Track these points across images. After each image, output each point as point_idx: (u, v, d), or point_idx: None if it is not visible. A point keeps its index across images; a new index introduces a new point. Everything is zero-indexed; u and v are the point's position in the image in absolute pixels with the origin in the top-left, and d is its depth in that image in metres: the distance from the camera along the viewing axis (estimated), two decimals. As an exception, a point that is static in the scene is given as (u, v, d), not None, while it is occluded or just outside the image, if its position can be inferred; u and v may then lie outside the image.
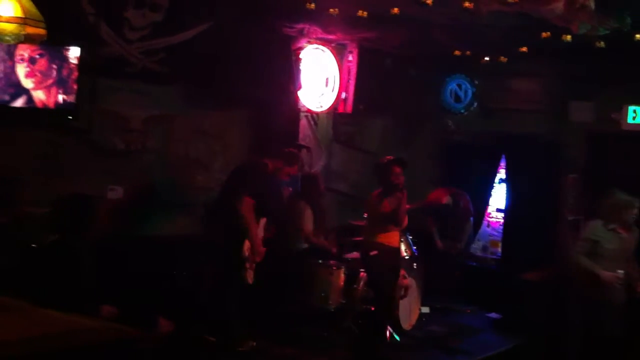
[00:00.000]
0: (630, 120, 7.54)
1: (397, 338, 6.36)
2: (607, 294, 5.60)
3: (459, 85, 8.72)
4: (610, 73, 7.30)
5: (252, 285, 5.67)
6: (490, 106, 8.54)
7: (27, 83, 5.19)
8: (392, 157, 5.98)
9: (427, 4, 5.10)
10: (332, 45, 7.61)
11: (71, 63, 5.22)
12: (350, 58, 7.76)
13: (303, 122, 7.58)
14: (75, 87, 5.24)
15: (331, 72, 7.67)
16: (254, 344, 5.67)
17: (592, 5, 5.14)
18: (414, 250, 6.99)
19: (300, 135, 7.49)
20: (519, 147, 8.13)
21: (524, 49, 6.76)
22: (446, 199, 7.73)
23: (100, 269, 3.99)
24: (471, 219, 7.99)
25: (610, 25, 5.60)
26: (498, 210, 8.73)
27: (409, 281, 6.60)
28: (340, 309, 6.44)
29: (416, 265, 7.01)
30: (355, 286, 6.49)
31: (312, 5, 5.61)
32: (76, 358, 2.64)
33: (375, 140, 8.54)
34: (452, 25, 6.23)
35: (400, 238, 6.26)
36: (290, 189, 6.79)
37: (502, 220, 8.62)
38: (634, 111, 7.54)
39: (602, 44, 6.23)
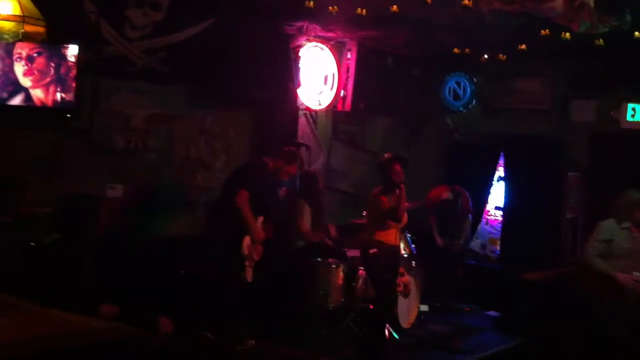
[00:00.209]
0: (629, 118, 7.54)
1: (396, 336, 6.36)
2: (620, 295, 5.57)
3: (458, 83, 8.73)
4: (612, 71, 7.30)
5: (251, 284, 5.66)
6: (490, 104, 8.55)
7: (25, 81, 5.17)
8: (392, 155, 5.98)
9: (428, 3, 5.09)
10: (331, 43, 7.60)
11: (69, 61, 5.20)
12: (349, 56, 7.76)
13: (302, 120, 7.58)
14: (74, 85, 5.22)
15: (330, 70, 7.67)
16: (253, 342, 5.67)
17: (592, 3, 5.14)
18: (413, 249, 6.99)
19: (299, 134, 7.49)
20: (517, 145, 8.13)
21: (523, 46, 6.75)
22: (447, 194, 7.74)
23: (101, 269, 3.98)
24: (470, 216, 7.99)
25: (610, 23, 5.60)
26: (497, 208, 8.74)
27: (408, 279, 6.60)
28: (340, 307, 6.44)
29: (415, 264, 7.01)
30: (354, 284, 6.49)
31: (312, 4, 5.60)
32: (77, 358, 2.63)
33: (376, 138, 8.55)
34: (453, 24, 6.23)
35: (399, 236, 6.26)
36: (285, 188, 6.78)
37: (500, 219, 8.63)
38: (633, 109, 7.53)
39: (601, 41, 6.23)
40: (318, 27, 6.96)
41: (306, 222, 6.69)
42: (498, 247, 8.62)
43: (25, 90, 5.17)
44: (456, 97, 8.75)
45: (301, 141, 7.29)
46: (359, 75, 7.75)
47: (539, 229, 7.67)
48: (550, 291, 6.70)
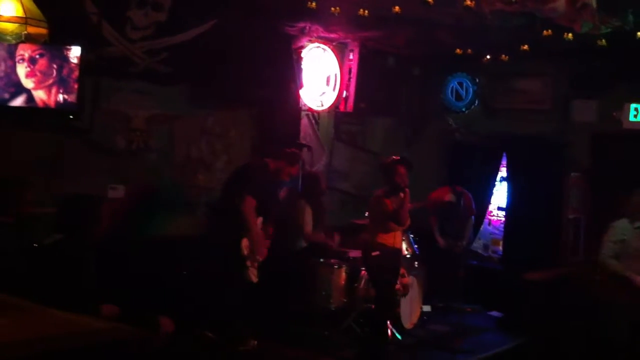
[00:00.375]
0: (631, 118, 7.52)
1: (399, 337, 6.36)
2: (635, 298, 5.55)
3: (460, 84, 8.72)
4: (614, 72, 7.29)
5: (255, 285, 5.67)
6: (492, 105, 8.54)
7: (28, 83, 5.18)
8: (397, 157, 5.98)
9: (429, 3, 5.09)
10: (333, 44, 7.61)
11: (72, 63, 5.22)
12: (351, 57, 7.76)
13: (304, 121, 7.58)
14: (76, 86, 5.23)
15: (332, 71, 7.67)
16: (255, 343, 5.67)
17: (594, 3, 5.13)
18: (415, 249, 6.99)
19: (301, 134, 7.49)
20: (519, 145, 8.13)
21: (525, 47, 6.75)
22: (449, 197, 7.73)
23: (102, 269, 3.98)
24: (472, 217, 7.99)
25: (612, 24, 5.59)
26: (499, 208, 8.73)
27: (410, 279, 6.60)
28: (342, 308, 6.44)
29: (417, 264, 7.01)
30: (356, 285, 6.50)
31: (314, 4, 5.61)
32: (78, 358, 2.64)
33: (378, 139, 8.55)
34: (455, 24, 6.23)
35: (401, 238, 6.26)
36: (287, 188, 6.79)
37: (503, 219, 8.62)
38: (636, 109, 7.52)
39: (603, 42, 6.22)
40: (320, 28, 6.96)
41: (308, 223, 6.69)
42: (500, 248, 8.61)
43: (28, 91, 5.19)
44: (458, 97, 8.75)
45: (303, 142, 7.29)
46: (361, 75, 7.75)
47: (541, 229, 7.66)
48: (552, 291, 6.70)
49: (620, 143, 7.57)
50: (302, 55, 7.22)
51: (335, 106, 7.79)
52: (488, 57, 7.67)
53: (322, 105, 7.66)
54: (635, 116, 7.53)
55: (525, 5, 5.15)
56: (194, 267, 5.73)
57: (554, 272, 7.00)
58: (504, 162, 8.56)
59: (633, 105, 7.50)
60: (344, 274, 6.49)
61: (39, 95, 5.21)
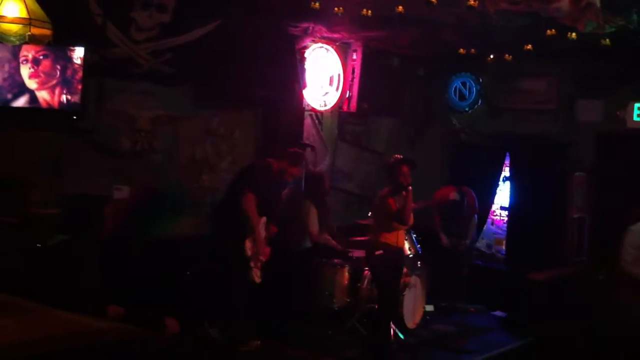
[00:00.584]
0: (635, 117, 7.50)
1: (402, 337, 6.36)
2: None
3: (464, 84, 8.72)
4: (618, 71, 7.27)
5: (259, 285, 5.67)
6: (496, 104, 8.54)
7: (31, 84, 5.19)
8: (401, 157, 5.97)
9: (433, 3, 5.08)
10: (337, 44, 7.61)
11: (75, 64, 5.22)
12: (354, 57, 7.77)
13: (307, 121, 7.58)
14: (79, 87, 5.24)
15: (335, 71, 7.67)
16: (259, 343, 5.67)
17: (598, 3, 5.12)
18: (418, 249, 6.98)
19: (305, 134, 7.49)
20: (523, 145, 8.12)
21: (529, 46, 6.74)
22: (453, 195, 7.73)
23: (106, 269, 3.98)
24: (475, 216, 7.98)
25: (616, 23, 5.58)
26: (502, 208, 8.73)
27: (412, 279, 6.60)
28: (345, 308, 6.44)
29: (420, 264, 7.00)
30: (359, 285, 6.49)
31: (317, 5, 5.61)
32: (82, 358, 2.64)
33: (383, 139, 8.55)
34: (458, 24, 6.22)
35: (405, 237, 6.26)
36: (291, 189, 6.79)
37: (506, 219, 8.61)
38: (639, 108, 7.51)
39: (607, 41, 6.21)
40: (323, 28, 6.95)
41: (314, 223, 6.69)
42: (503, 248, 8.61)
43: (31, 92, 5.19)
44: (462, 97, 8.75)
45: (307, 142, 7.29)
46: (364, 76, 7.75)
47: (545, 229, 7.65)
48: (556, 291, 6.68)
49: (624, 143, 7.55)
50: (306, 55, 7.22)
51: (338, 106, 7.79)
52: (492, 57, 7.66)
53: (325, 106, 7.66)
54: (639, 115, 7.51)
55: (530, 5, 5.15)
56: (198, 267, 5.73)
57: (558, 271, 6.99)
58: (507, 161, 8.56)
59: (637, 105, 7.49)
60: (347, 274, 6.49)
61: (42, 95, 5.22)
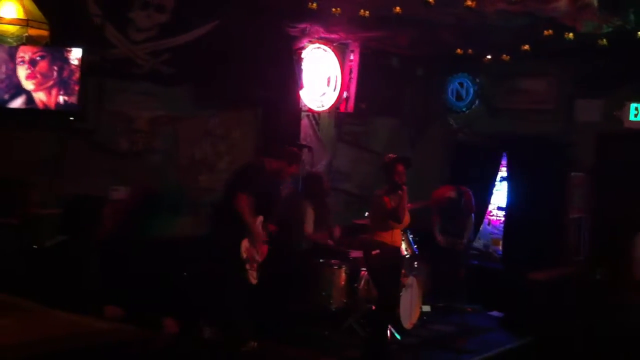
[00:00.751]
0: (632, 118, 7.52)
1: (398, 337, 6.36)
2: None
3: (461, 84, 8.74)
4: (616, 71, 7.29)
5: (255, 286, 5.66)
6: (494, 104, 8.55)
7: (28, 85, 5.19)
8: (396, 156, 5.98)
9: (430, 4, 5.09)
10: (334, 44, 7.61)
11: (72, 64, 5.22)
12: (351, 57, 7.76)
13: (305, 121, 7.58)
14: (76, 88, 5.23)
15: (333, 72, 7.67)
16: (255, 344, 5.65)
17: (596, 3, 5.14)
18: (415, 249, 6.98)
19: (302, 135, 7.49)
20: (521, 145, 8.13)
21: (527, 47, 6.75)
22: (451, 194, 7.74)
23: (105, 270, 3.98)
24: (472, 215, 7.99)
25: (614, 23, 5.59)
26: (499, 208, 8.73)
27: (409, 279, 6.60)
28: (343, 308, 6.44)
29: (417, 264, 7.00)
30: (356, 285, 6.49)
31: (315, 5, 5.61)
32: (82, 359, 2.63)
33: (380, 139, 8.55)
34: (456, 24, 6.23)
35: (401, 237, 6.26)
36: (289, 189, 6.78)
37: (503, 219, 8.62)
38: (636, 108, 7.52)
39: (605, 41, 6.22)
40: (321, 29, 6.95)
41: (309, 222, 6.69)
42: (500, 248, 8.61)
43: (28, 93, 5.19)
44: (459, 97, 8.76)
45: (304, 143, 7.29)
46: (362, 76, 7.75)
47: (543, 228, 7.66)
48: (555, 291, 6.69)
49: (623, 143, 7.56)
50: (303, 56, 7.22)
51: (335, 107, 7.79)
52: (489, 57, 7.67)
53: (323, 106, 7.66)
54: (636, 115, 7.53)
55: (527, 5, 5.15)
56: (196, 268, 5.72)
57: (556, 271, 6.99)
58: (504, 162, 8.57)
59: (633, 105, 7.50)
60: (344, 275, 6.48)
61: (39, 96, 5.21)
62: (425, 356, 6.34)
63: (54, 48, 5.14)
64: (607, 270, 6.58)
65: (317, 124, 7.81)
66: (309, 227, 6.68)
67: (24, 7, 4.53)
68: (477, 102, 8.66)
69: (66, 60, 5.23)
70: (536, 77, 8.18)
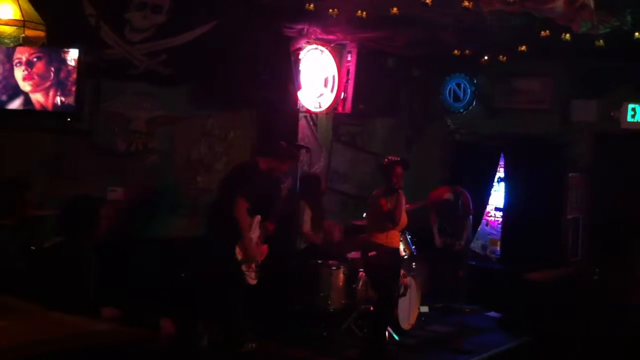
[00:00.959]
0: (629, 118, 7.54)
1: (396, 338, 6.36)
2: None
3: (458, 85, 8.74)
4: (614, 72, 7.30)
5: (254, 286, 5.65)
6: (491, 105, 8.56)
7: (25, 86, 5.17)
8: (394, 158, 5.98)
9: (428, 4, 5.08)
10: (331, 45, 7.61)
11: (70, 65, 5.20)
12: (349, 58, 7.77)
13: (302, 122, 7.58)
14: (74, 89, 5.22)
15: (330, 73, 7.67)
16: (254, 345, 5.65)
17: (592, 3, 5.14)
18: (413, 250, 6.98)
19: (300, 136, 7.49)
20: (519, 145, 8.14)
21: (523, 47, 6.75)
22: (447, 195, 7.73)
23: (102, 271, 3.97)
24: (470, 216, 7.98)
25: (610, 24, 5.60)
26: (497, 209, 8.74)
27: (407, 280, 6.60)
28: (341, 309, 6.44)
29: (415, 265, 7.00)
30: (354, 286, 6.49)
31: (312, 6, 5.61)
32: (79, 360, 2.63)
33: (378, 140, 8.56)
34: (453, 25, 6.23)
35: (399, 238, 6.26)
36: (287, 189, 6.77)
37: (500, 219, 8.62)
38: (633, 109, 7.53)
39: (601, 42, 6.23)
40: (318, 30, 6.95)
41: (307, 222, 6.70)
42: (498, 248, 8.62)
43: (25, 94, 5.17)
44: (456, 98, 8.77)
45: (301, 143, 7.28)
46: (359, 77, 7.75)
47: (541, 229, 7.67)
48: (552, 291, 6.69)
49: (620, 143, 7.58)
50: (300, 56, 7.22)
51: (333, 108, 7.79)
52: (486, 57, 7.67)
53: (320, 107, 7.66)
54: (633, 116, 7.55)
55: (524, 6, 5.15)
56: (193, 268, 5.72)
57: (554, 271, 6.99)
58: (501, 162, 8.58)
59: (630, 106, 7.52)
60: (342, 275, 6.48)
61: (37, 97, 5.20)
62: (423, 356, 6.35)
63: (51, 49, 5.12)
64: (605, 270, 6.59)
65: (315, 124, 7.81)
66: (307, 226, 6.70)
67: (20, 7, 4.50)
68: (474, 102, 8.67)
69: (63, 61, 5.21)
70: (533, 77, 8.20)
